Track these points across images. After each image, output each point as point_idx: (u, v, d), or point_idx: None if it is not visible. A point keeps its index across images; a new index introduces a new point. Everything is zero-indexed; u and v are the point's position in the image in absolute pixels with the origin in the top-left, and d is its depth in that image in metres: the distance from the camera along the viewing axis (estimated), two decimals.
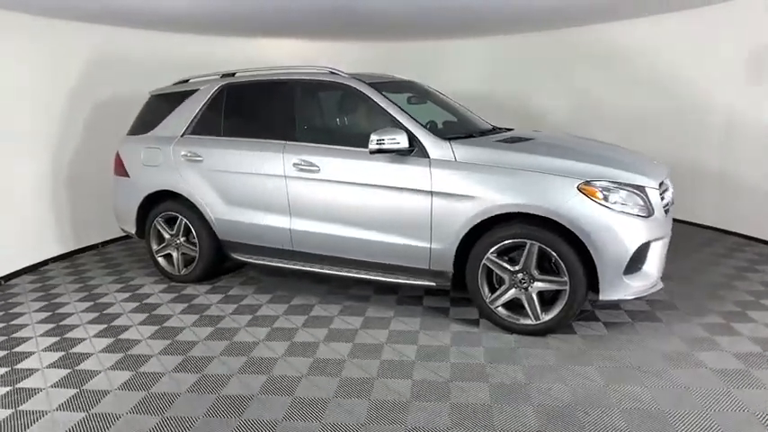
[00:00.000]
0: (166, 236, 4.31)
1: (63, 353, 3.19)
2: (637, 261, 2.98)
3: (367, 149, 3.33)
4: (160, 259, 4.40)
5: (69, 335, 3.43)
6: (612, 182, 2.96)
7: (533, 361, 2.90)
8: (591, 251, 2.90)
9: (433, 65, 7.00)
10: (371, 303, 3.77)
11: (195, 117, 4.15)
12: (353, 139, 3.58)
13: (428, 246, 3.32)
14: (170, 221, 4.31)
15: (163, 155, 4.20)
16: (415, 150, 3.29)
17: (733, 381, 2.64)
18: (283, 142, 3.73)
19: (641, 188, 2.99)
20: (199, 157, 4.03)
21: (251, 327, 3.46)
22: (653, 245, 3.02)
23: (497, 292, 3.21)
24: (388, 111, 3.45)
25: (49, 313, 3.80)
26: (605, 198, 2.91)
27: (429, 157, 3.27)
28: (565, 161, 3.07)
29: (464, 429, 2.33)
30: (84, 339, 3.36)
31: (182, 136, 4.17)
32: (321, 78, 3.78)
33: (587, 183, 2.94)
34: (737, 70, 4.91)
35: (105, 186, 4.82)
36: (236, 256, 4.11)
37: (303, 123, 3.85)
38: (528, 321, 3.16)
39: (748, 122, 4.91)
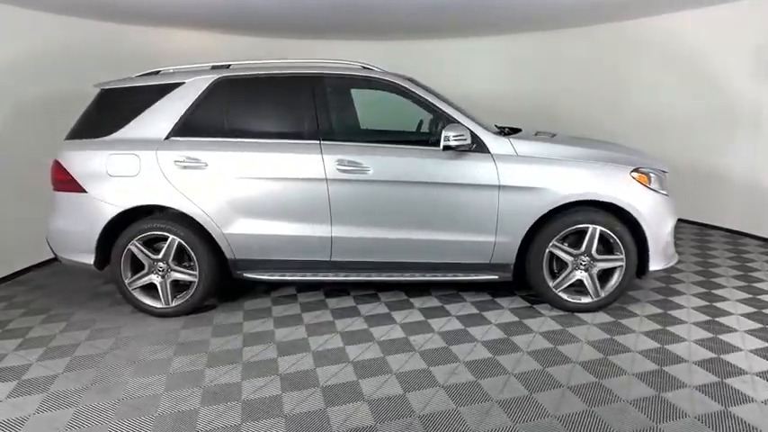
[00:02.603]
0: (147, 261, 3.50)
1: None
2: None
3: (418, 147, 3.29)
4: (136, 292, 3.55)
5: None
6: (651, 168, 3.42)
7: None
8: (645, 229, 3.32)
9: (424, 65, 6.45)
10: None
11: (184, 115, 3.45)
12: (401, 137, 3.43)
13: (493, 240, 3.38)
14: (149, 243, 3.51)
15: (142, 162, 3.40)
16: (474, 147, 3.32)
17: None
18: (319, 142, 3.37)
19: (664, 173, 3.53)
20: (201, 162, 3.37)
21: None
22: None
23: (561, 277, 3.43)
24: (442, 109, 3.40)
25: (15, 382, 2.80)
26: (650, 182, 3.36)
27: (491, 153, 3.32)
28: (610, 152, 3.44)
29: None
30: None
31: (166, 138, 3.44)
32: (357, 74, 3.49)
33: (636, 170, 3.35)
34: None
35: None
36: (250, 275, 3.55)
37: (341, 122, 3.53)
38: (587, 300, 3.46)
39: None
